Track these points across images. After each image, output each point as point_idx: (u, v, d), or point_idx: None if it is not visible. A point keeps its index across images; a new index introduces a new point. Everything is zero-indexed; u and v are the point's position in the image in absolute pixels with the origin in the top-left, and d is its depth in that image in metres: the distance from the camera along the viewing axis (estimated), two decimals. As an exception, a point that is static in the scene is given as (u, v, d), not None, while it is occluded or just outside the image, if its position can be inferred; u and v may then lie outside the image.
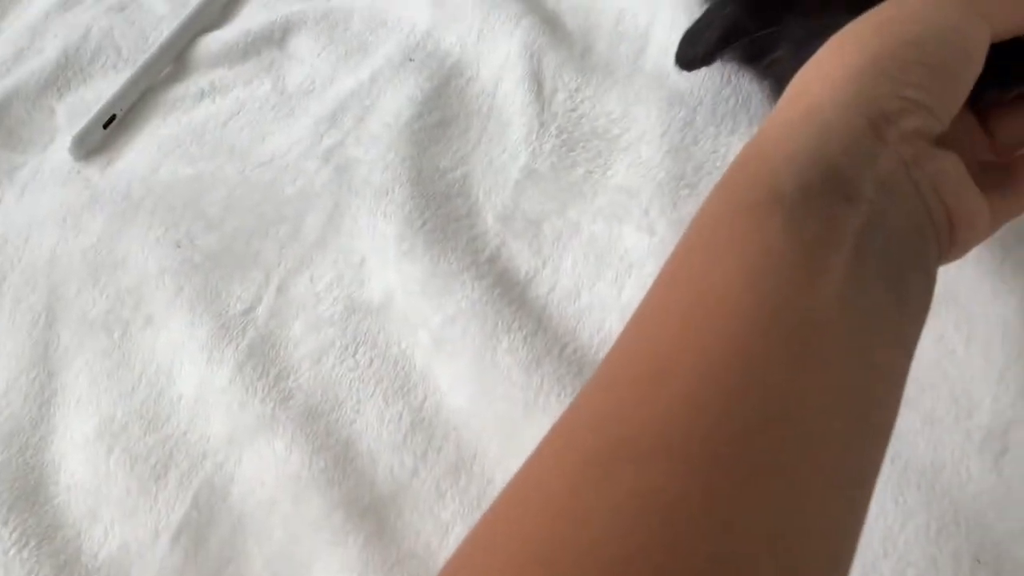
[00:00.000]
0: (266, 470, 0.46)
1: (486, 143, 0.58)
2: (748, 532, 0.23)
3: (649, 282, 0.30)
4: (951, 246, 0.32)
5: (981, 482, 0.38)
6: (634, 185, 0.53)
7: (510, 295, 0.49)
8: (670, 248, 0.31)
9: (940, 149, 0.31)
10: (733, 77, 0.54)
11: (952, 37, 0.31)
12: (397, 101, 0.61)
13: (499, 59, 0.62)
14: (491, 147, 0.57)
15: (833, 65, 0.31)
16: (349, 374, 0.49)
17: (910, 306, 0.29)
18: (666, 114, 0.55)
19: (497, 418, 0.45)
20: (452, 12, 0.66)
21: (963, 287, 0.43)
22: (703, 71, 0.54)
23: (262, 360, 0.50)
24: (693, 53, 0.45)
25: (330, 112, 0.63)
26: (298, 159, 0.60)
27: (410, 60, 0.64)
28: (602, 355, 0.27)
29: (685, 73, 0.56)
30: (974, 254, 0.42)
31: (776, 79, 0.48)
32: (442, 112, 0.60)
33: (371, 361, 0.49)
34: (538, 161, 0.55)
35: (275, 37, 0.70)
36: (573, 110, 0.58)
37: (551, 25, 0.63)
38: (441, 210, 0.54)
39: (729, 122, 0.53)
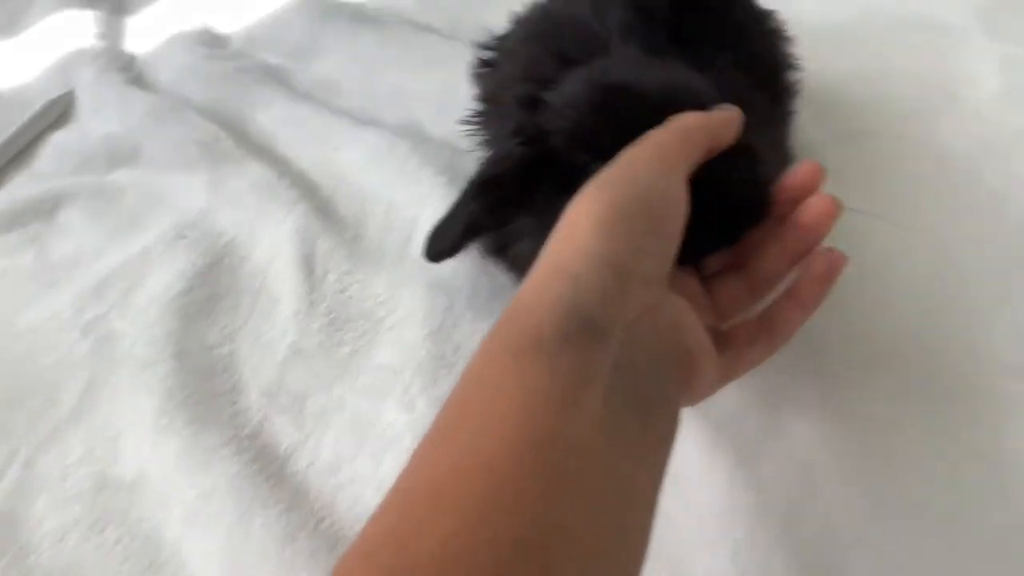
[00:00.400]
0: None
1: (255, 320, 0.59)
2: None
3: (406, 456, 0.32)
4: (691, 383, 0.37)
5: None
6: (397, 364, 0.55)
7: (269, 470, 0.50)
8: (428, 424, 0.33)
9: (674, 294, 0.37)
10: (488, 267, 0.59)
11: (665, 190, 0.37)
12: (167, 276, 0.62)
13: (273, 241, 0.64)
14: (260, 324, 0.59)
15: (576, 226, 0.36)
16: (95, 552, 0.47)
17: (656, 434, 0.33)
18: (429, 299, 0.59)
19: (249, 594, 0.45)
20: (228, 196, 0.68)
21: (683, 462, 0.47)
22: (462, 263, 0.59)
23: (0, 539, 0.48)
24: (439, 247, 0.49)
25: (94, 284, 0.62)
26: (57, 330, 0.59)
27: (183, 237, 0.65)
28: (358, 528, 0.28)
29: (446, 262, 0.60)
30: (692, 434, 0.48)
31: (519, 269, 0.52)
32: (212, 288, 0.61)
33: (119, 538, 0.48)
34: (306, 339, 0.57)
35: (44, 208, 0.70)
36: (342, 291, 0.60)
37: (325, 212, 0.66)
38: (204, 385, 0.54)
39: (485, 308, 0.57)
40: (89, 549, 0.47)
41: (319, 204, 0.67)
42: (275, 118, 0.76)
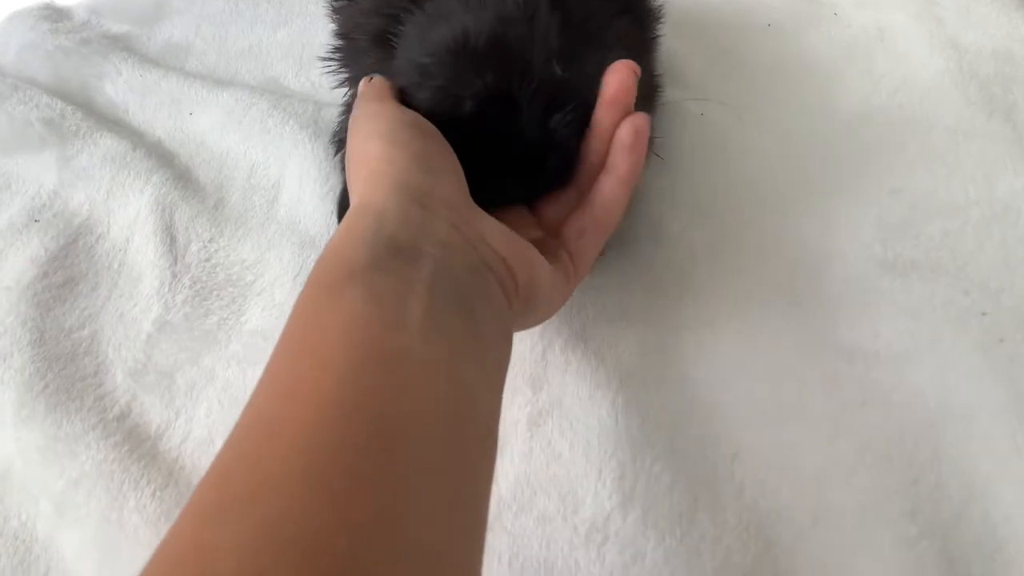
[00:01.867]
0: None
1: (116, 299, 0.57)
2: (371, 528, 0.26)
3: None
4: (521, 292, 0.39)
5: (588, 572, 0.41)
6: (268, 327, 0.54)
7: (140, 451, 0.48)
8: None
9: (480, 210, 0.39)
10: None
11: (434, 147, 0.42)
12: (19, 263, 0.58)
13: (130, 215, 0.62)
14: (121, 303, 0.56)
15: (370, 167, 0.39)
16: (-41, 555, 0.45)
17: (486, 337, 0.35)
18: (300, 257, 0.57)
19: (126, 581, 0.43)
20: (79, 171, 0.65)
21: (566, 393, 0.47)
22: (333, 219, 0.57)
23: None
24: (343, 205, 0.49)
25: (-57, 281, 0.59)
26: (-95, 330, 0.56)
27: (35, 221, 0.62)
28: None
29: (315, 218, 0.59)
30: (573, 365, 0.47)
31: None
32: (69, 271, 0.58)
33: (-14, 538, 0.46)
34: (171, 313, 0.55)
35: None
36: (207, 260, 0.58)
37: (183, 180, 0.64)
38: (65, 371, 0.52)
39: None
40: (-46, 553, 0.45)
41: (177, 173, 0.65)
42: (123, 88, 0.73)
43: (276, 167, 0.64)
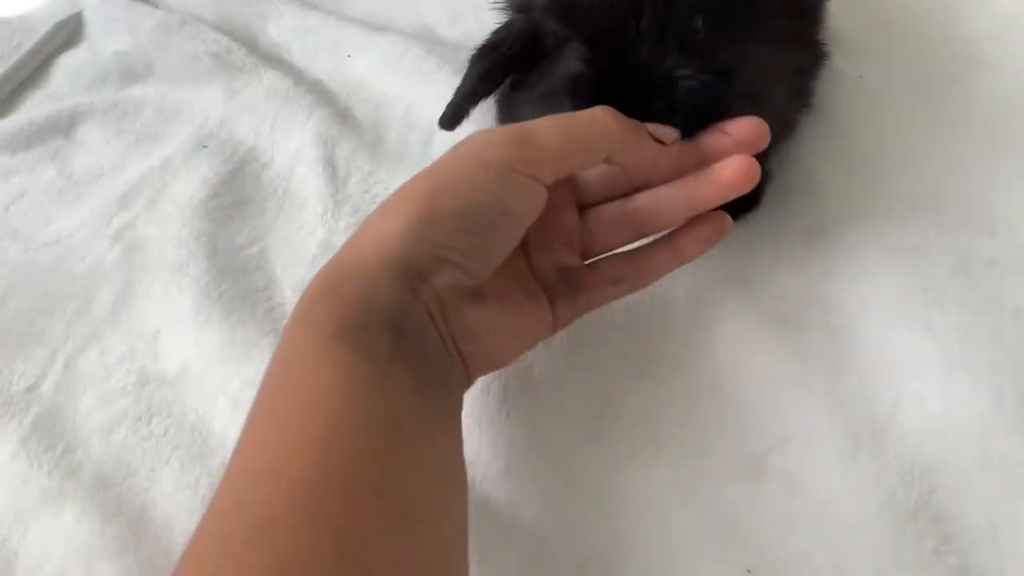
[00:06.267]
0: (54, 544, 0.44)
1: (283, 222, 0.59)
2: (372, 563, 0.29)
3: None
4: (469, 373, 0.40)
5: (746, 504, 0.42)
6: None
7: (309, 359, 0.50)
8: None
9: (471, 302, 0.39)
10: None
11: (497, 205, 0.38)
12: (191, 184, 0.62)
13: (293, 147, 0.64)
14: (287, 226, 0.59)
15: (387, 224, 0.37)
16: (143, 443, 0.48)
17: (448, 411, 0.38)
18: (454, 194, 0.59)
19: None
20: (245, 103, 0.68)
21: (726, 339, 0.48)
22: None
23: (47, 435, 0.49)
24: (447, 114, 0.51)
25: (120, 196, 0.63)
26: (86, 240, 0.60)
27: (203, 147, 0.65)
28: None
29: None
30: (731, 307, 0.48)
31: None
32: (237, 194, 0.61)
33: (166, 430, 0.49)
34: (335, 237, 0.57)
35: (61, 126, 0.70)
36: (366, 191, 0.60)
37: (343, 117, 0.66)
38: (238, 283, 0.55)
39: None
40: (136, 441, 0.48)
41: (337, 111, 0.67)
42: (285, 29, 0.76)
43: (432, 109, 0.66)
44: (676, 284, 0.50)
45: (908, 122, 0.58)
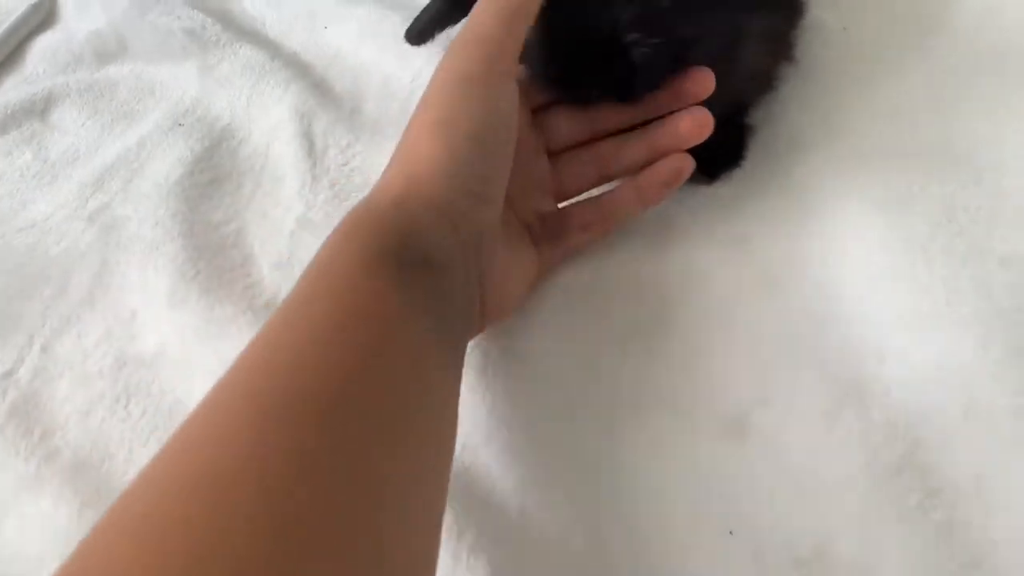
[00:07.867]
0: (32, 529, 0.44)
1: (260, 198, 0.58)
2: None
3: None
4: (484, 318, 0.42)
5: (730, 463, 0.41)
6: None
7: (287, 335, 0.49)
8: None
9: (498, 241, 0.41)
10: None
11: (496, 113, 0.39)
12: (166, 163, 0.61)
13: (270, 122, 0.63)
14: (265, 201, 0.58)
15: (414, 163, 0.38)
16: (120, 425, 0.48)
17: (449, 354, 0.37)
18: (433, 164, 0.58)
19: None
20: (220, 80, 0.67)
21: (710, 298, 0.47)
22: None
23: (24, 420, 0.48)
24: (414, 28, 0.53)
25: (96, 177, 0.62)
26: (62, 222, 0.59)
27: (179, 125, 0.64)
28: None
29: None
30: (714, 266, 0.47)
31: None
32: (213, 171, 0.60)
33: (144, 411, 0.48)
34: (312, 212, 0.57)
35: (36, 109, 0.69)
36: (345, 164, 0.59)
37: (320, 89, 0.65)
38: (215, 261, 0.54)
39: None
40: (115, 423, 0.48)
41: (314, 82, 0.66)
42: (260, 1, 0.74)
43: (410, 77, 0.65)
44: (658, 243, 0.49)
45: (892, 74, 0.57)
